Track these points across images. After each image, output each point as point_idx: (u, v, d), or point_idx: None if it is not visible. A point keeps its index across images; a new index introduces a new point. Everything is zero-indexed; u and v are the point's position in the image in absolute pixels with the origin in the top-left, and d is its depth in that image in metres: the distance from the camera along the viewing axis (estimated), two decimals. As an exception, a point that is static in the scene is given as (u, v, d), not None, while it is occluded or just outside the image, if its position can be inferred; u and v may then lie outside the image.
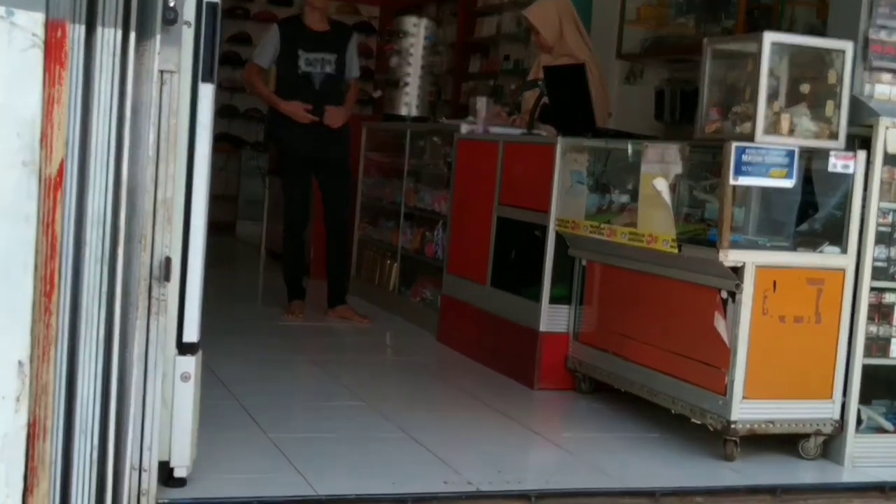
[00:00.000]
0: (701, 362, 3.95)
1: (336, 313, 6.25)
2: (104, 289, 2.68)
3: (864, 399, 3.96)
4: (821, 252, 3.90)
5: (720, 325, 3.85)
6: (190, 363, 3.02)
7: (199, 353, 3.07)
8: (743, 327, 3.78)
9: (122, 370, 2.73)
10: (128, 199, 2.68)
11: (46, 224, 2.57)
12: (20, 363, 2.56)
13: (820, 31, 5.39)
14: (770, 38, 3.80)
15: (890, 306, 3.94)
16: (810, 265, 3.88)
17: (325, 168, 6.17)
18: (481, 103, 6.11)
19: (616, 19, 7.50)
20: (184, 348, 3.02)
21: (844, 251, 3.90)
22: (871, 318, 3.91)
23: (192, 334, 3.03)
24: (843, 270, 3.89)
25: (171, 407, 2.99)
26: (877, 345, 3.94)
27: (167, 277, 2.83)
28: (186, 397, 3.02)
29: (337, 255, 6.32)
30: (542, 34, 5.74)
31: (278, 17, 11.26)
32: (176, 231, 2.91)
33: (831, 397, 3.90)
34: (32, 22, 2.49)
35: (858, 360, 3.90)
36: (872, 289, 3.91)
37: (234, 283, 7.81)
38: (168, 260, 2.83)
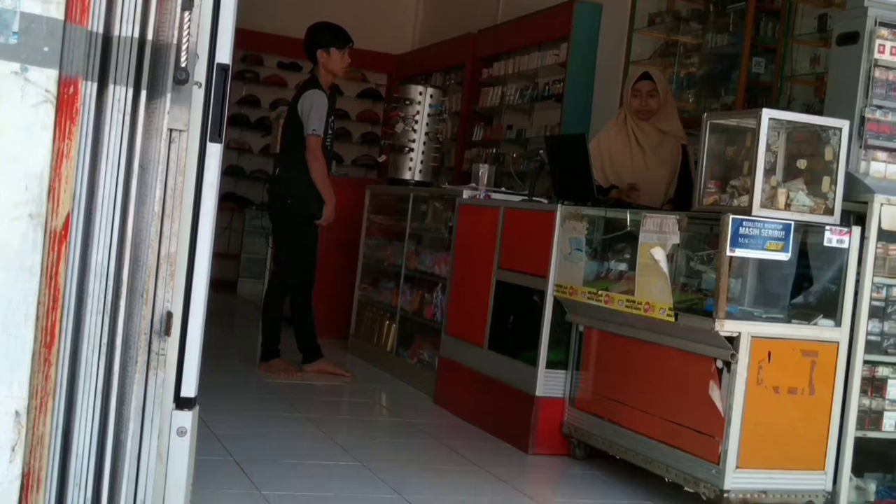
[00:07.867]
0: (695, 431, 3.97)
1: (313, 368, 6.28)
2: (104, 341, 2.69)
3: (857, 471, 3.97)
4: (815, 325, 3.94)
5: (715, 394, 3.87)
6: (187, 418, 3.02)
7: (197, 408, 3.08)
8: (737, 397, 3.80)
9: (119, 423, 2.73)
10: (131, 253, 2.71)
11: (50, 276, 2.57)
12: (17, 413, 2.55)
13: (818, 110, 5.47)
14: (768, 114, 3.87)
15: (883, 380, 3.98)
16: (805, 337, 3.92)
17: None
18: (483, 170, 6.21)
19: (617, 93, 7.60)
20: (181, 403, 3.02)
21: (838, 324, 3.94)
22: (864, 392, 3.95)
23: (190, 389, 3.03)
24: (836, 343, 3.93)
25: (166, 461, 2.98)
26: (869, 418, 3.97)
27: (167, 332, 2.85)
28: (182, 452, 3.01)
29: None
30: (661, 95, 5.37)
31: (287, 82, 11.55)
32: (178, 287, 2.93)
33: (824, 469, 3.91)
34: (46, 78, 2.52)
35: (851, 433, 3.93)
36: (865, 362, 3.95)
37: (234, 340, 7.83)
38: (169, 314, 2.85)
